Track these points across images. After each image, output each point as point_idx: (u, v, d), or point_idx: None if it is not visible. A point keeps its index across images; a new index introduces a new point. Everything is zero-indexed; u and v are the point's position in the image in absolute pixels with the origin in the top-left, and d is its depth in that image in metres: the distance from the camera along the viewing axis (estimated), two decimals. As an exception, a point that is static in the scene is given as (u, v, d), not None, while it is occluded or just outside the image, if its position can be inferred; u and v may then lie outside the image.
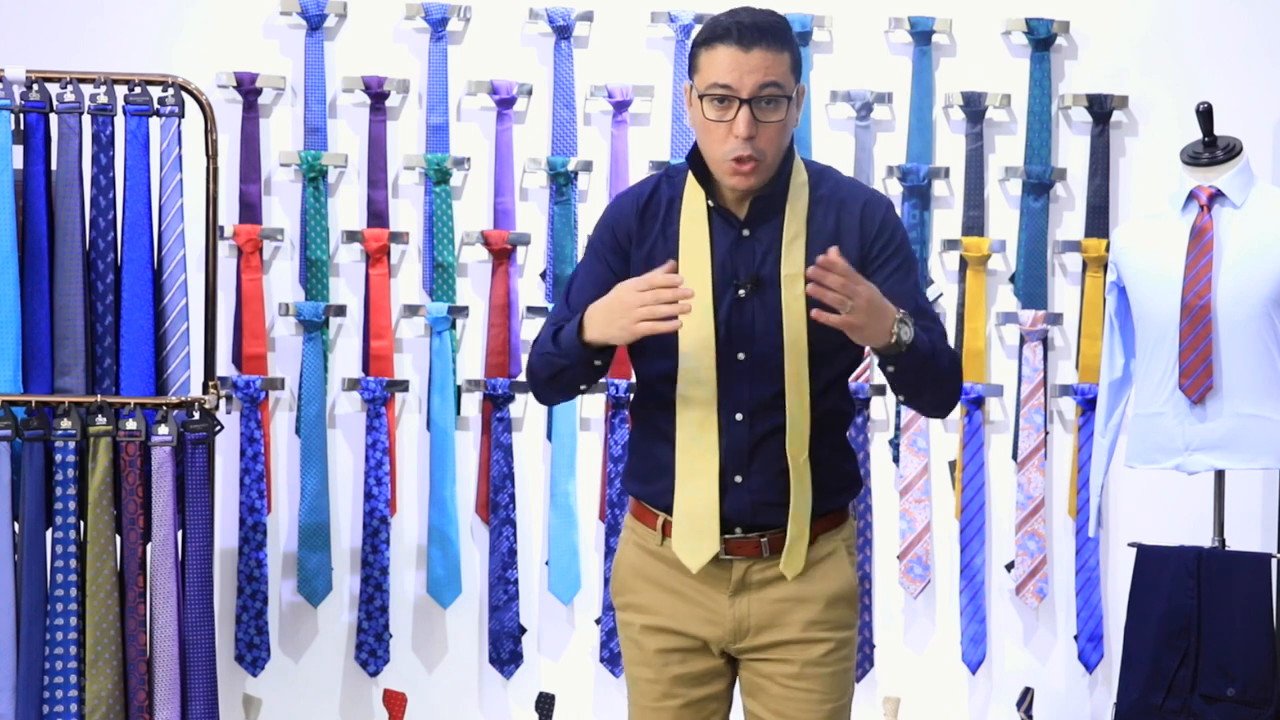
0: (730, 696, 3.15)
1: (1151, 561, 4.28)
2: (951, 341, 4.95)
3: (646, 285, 2.87)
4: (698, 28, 4.88)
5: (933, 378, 3.00)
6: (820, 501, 3.04)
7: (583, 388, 3.07)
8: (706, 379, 2.99)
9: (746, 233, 3.02)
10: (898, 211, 4.90)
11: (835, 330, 2.95)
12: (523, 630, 4.78)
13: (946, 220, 5.01)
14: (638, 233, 3.06)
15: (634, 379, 3.16)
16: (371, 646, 4.73)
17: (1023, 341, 4.95)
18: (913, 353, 2.92)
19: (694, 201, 3.04)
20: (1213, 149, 4.22)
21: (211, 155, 4.40)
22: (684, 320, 2.93)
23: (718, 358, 3.00)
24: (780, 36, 2.95)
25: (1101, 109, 5.01)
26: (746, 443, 3.01)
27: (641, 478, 3.09)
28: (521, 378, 4.79)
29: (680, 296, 2.84)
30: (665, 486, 3.04)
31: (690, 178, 3.05)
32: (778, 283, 3.00)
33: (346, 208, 4.84)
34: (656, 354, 3.03)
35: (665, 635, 3.08)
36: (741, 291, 3.00)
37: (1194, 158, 4.24)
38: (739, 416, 3.00)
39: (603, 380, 4.77)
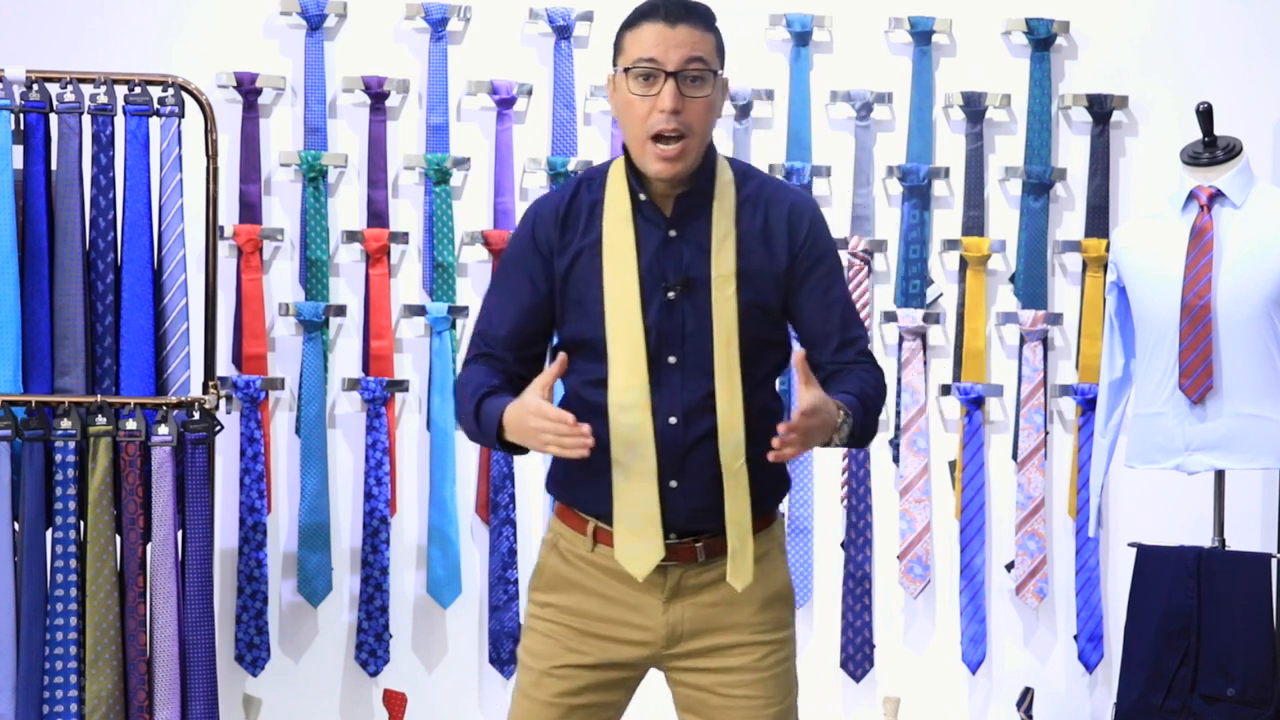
0: (627, 704, 3.11)
1: (1151, 561, 4.28)
2: (951, 341, 4.98)
3: (545, 421, 2.83)
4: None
5: (872, 422, 3.03)
6: (753, 504, 3.00)
7: None
8: (638, 385, 2.95)
9: (673, 233, 2.99)
10: (898, 210, 4.95)
11: (764, 328, 2.99)
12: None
13: (946, 220, 5.01)
14: (559, 241, 3.01)
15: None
16: (371, 646, 4.73)
17: (1023, 341, 4.95)
18: (850, 438, 2.97)
19: (618, 203, 3.00)
20: (1213, 149, 4.22)
21: (211, 155, 4.40)
22: (613, 326, 2.94)
23: (649, 362, 2.96)
24: (706, 18, 2.98)
25: (1101, 109, 5.01)
26: (681, 446, 2.97)
27: (570, 482, 3.04)
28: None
29: (581, 438, 2.81)
30: (597, 492, 3.00)
31: (612, 180, 3.02)
32: (708, 284, 2.97)
33: (346, 208, 4.84)
34: (586, 360, 2.99)
35: (590, 639, 3.03)
36: (671, 294, 2.97)
37: (1194, 158, 4.24)
38: (672, 420, 2.97)
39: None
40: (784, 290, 3.02)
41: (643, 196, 2.99)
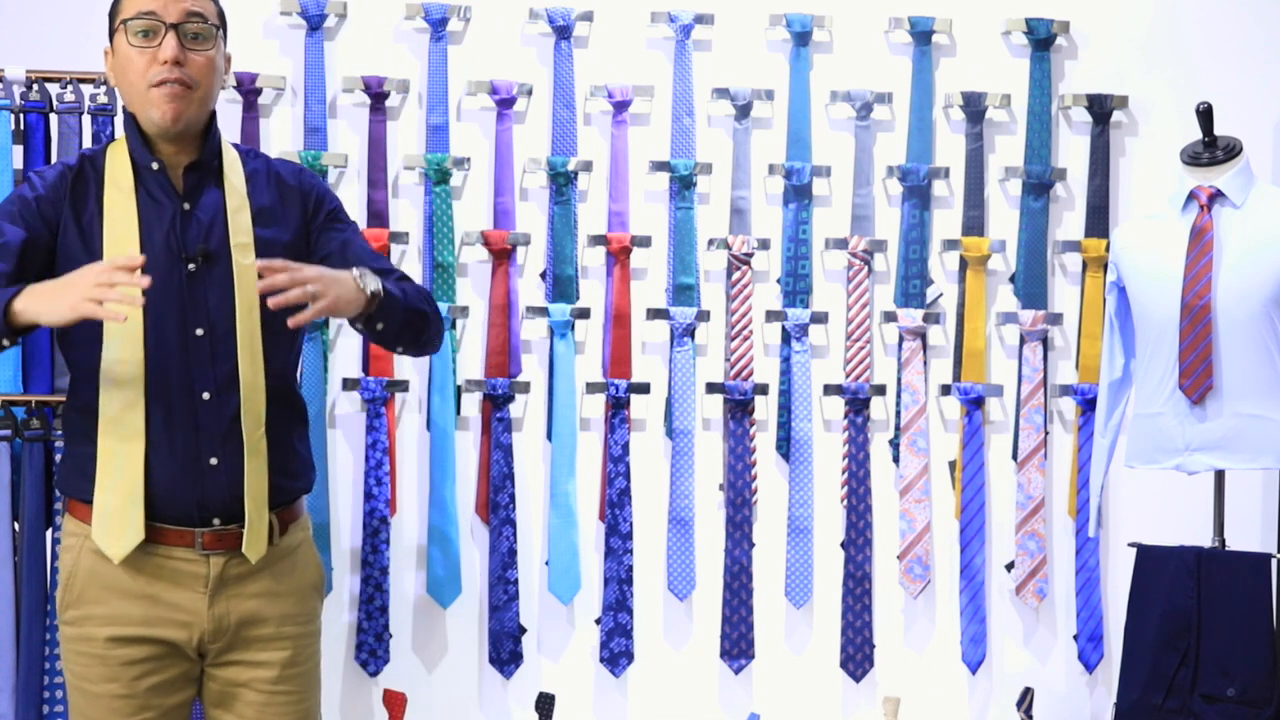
0: (197, 690, 3.07)
1: (1151, 561, 4.28)
2: (951, 341, 4.98)
3: (108, 266, 2.77)
4: (698, 27, 4.89)
5: (419, 316, 3.04)
6: (282, 485, 3.02)
7: None
8: (133, 359, 2.93)
9: (187, 206, 3.02)
10: (898, 210, 4.95)
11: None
12: (523, 630, 4.78)
13: (946, 220, 5.01)
14: (71, 208, 3.00)
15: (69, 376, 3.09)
16: (371, 646, 4.73)
17: (1023, 341, 4.95)
18: (390, 300, 2.96)
19: (120, 178, 3.01)
20: (1213, 149, 4.22)
21: (211, 155, 4.40)
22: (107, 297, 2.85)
23: (177, 335, 2.96)
24: None
25: (1101, 109, 5.01)
26: (218, 423, 2.96)
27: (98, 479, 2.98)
28: (522, 377, 4.80)
29: (127, 286, 2.74)
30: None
31: (112, 158, 3.03)
32: (229, 254, 3.00)
33: (346, 208, 4.82)
34: (90, 341, 2.96)
35: (136, 645, 2.98)
36: (192, 265, 2.98)
37: (1194, 158, 4.24)
38: (206, 395, 2.96)
39: (603, 380, 4.78)
40: (306, 249, 3.10)
41: (155, 165, 3.01)
